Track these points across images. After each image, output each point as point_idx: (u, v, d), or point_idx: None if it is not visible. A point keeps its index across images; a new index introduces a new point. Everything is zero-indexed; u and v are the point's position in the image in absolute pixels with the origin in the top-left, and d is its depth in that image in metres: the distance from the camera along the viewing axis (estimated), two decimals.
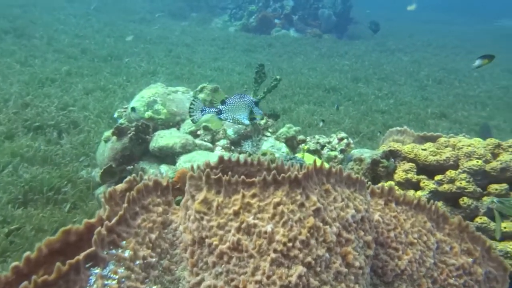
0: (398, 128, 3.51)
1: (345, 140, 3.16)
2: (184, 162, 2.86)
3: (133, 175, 1.59)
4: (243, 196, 1.37)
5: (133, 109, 3.28)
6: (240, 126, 3.17)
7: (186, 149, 2.99)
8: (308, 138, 3.32)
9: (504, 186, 2.01)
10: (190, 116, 2.29)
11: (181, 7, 14.92)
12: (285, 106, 6.35)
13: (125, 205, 1.34)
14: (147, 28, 11.43)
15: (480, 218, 2.03)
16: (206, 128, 3.25)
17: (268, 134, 3.39)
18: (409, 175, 2.31)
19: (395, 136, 3.56)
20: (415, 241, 1.54)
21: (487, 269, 1.58)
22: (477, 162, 2.10)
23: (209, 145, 3.18)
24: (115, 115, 3.42)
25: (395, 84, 7.72)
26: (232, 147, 3.19)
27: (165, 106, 3.44)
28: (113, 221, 1.28)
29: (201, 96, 3.63)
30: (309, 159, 3.00)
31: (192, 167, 1.53)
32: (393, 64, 9.09)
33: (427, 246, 1.55)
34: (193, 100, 2.26)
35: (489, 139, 2.26)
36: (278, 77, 3.73)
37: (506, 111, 6.30)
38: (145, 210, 1.42)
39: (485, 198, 2.05)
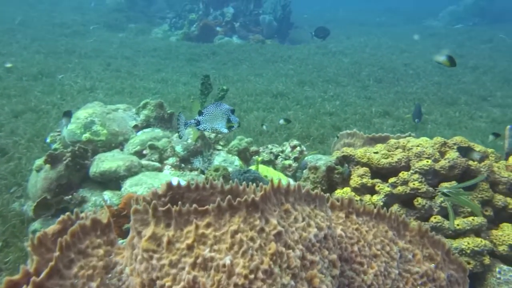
0: (348, 131, 3.54)
1: (298, 148, 3.12)
2: (130, 186, 2.64)
3: (67, 213, 1.39)
4: (197, 227, 1.23)
5: (66, 114, 2.85)
6: (189, 142, 3.01)
7: (131, 171, 2.77)
8: (261, 149, 3.24)
9: (453, 183, 2.05)
10: (178, 132, 2.29)
11: (117, 18, 14.33)
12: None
13: (56, 253, 1.15)
14: (82, 41, 10.81)
15: (435, 218, 2.05)
16: (152, 147, 3.05)
17: (219, 147, 3.26)
18: (364, 180, 2.30)
19: (345, 140, 3.59)
20: (379, 252, 1.49)
21: (449, 272, 1.57)
22: (427, 161, 2.13)
23: (157, 164, 2.99)
24: (48, 139, 3.11)
25: (339, 85, 7.94)
26: (182, 165, 3.02)
27: (104, 126, 3.19)
28: (42, 275, 1.09)
29: (145, 112, 3.41)
30: (263, 170, 2.91)
31: (136, 199, 1.37)
32: (335, 66, 9.37)
33: (391, 256, 1.51)
34: (178, 116, 2.17)
35: (435, 138, 2.31)
36: (224, 87, 3.63)
37: (441, 106, 6.70)
38: (83, 255, 1.23)
39: (437, 197, 2.08)
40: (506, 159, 2.51)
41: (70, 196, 2.53)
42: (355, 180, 2.32)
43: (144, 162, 2.95)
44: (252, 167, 3.04)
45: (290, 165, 3.04)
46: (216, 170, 2.78)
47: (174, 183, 2.91)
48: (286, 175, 3.05)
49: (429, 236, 1.56)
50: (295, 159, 3.10)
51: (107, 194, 2.71)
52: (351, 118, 6.23)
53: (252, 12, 13.25)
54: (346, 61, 9.77)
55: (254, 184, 1.56)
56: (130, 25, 14.28)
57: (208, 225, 1.26)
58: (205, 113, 2.28)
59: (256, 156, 2.89)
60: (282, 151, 3.15)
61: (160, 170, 3.00)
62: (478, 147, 2.16)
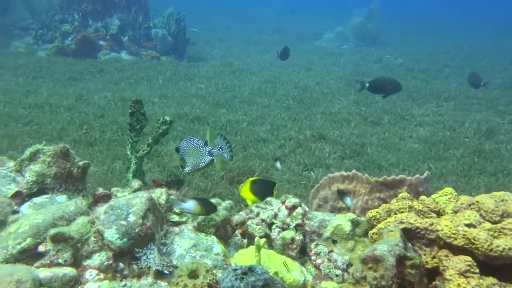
0: (344, 174, 2.63)
1: (300, 209, 2.06)
2: None
3: None
4: None
5: None
6: (131, 220, 1.69)
7: None
8: (244, 215, 2.08)
9: None
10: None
11: None
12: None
13: None
14: None
15: None
16: (58, 238, 1.63)
17: (175, 217, 2.00)
18: (473, 282, 1.38)
19: (340, 185, 2.66)
20: None
21: None
22: None
23: (70, 273, 1.59)
24: None
25: (260, 106, 7.15)
26: (120, 265, 1.68)
27: None
28: None
29: (35, 168, 1.95)
30: (264, 260, 1.77)
31: None
32: (247, 85, 8.59)
33: None
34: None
35: None
36: (167, 118, 2.41)
37: (368, 126, 6.44)
38: None
39: None
40: None
41: None
42: (458, 284, 1.38)
43: (44, 274, 1.53)
44: (243, 253, 1.87)
45: (293, 239, 1.97)
46: (193, 275, 1.55)
47: None
48: (291, 257, 1.95)
49: None
50: (297, 227, 2.04)
51: None
52: (288, 145, 5.44)
53: (141, 25, 11.72)
54: (256, 80, 9.10)
55: None
56: None
57: None
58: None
59: (257, 238, 1.74)
60: (275, 216, 2.06)
61: (76, 282, 1.60)
62: None
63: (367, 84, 4.13)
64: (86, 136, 5.23)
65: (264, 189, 2.21)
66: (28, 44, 12.01)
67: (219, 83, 8.61)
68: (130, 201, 1.75)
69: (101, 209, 1.75)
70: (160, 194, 2.02)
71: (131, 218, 1.70)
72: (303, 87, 8.48)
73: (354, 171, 2.57)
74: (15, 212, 1.87)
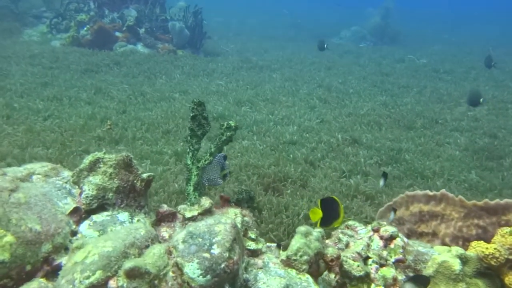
0: (429, 193, 2.36)
1: (398, 240, 1.79)
2: None
3: None
4: None
5: None
6: (215, 253, 1.43)
7: None
8: (332, 245, 1.81)
9: None
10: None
11: None
12: (177, 149, 4.59)
13: None
14: None
15: None
16: (134, 273, 1.36)
17: (251, 245, 1.74)
18: None
19: (423, 206, 2.40)
20: None
21: None
22: None
23: None
24: None
25: (284, 106, 6.88)
26: None
27: (7, 226, 1.39)
28: None
29: (95, 180, 1.69)
30: None
31: None
32: (268, 82, 8.31)
33: None
34: None
35: None
36: (232, 123, 2.14)
37: (401, 130, 6.17)
38: None
39: None
40: None
41: None
42: None
43: None
44: None
45: (395, 280, 1.70)
46: None
47: None
48: None
49: None
50: (397, 263, 1.77)
51: None
52: (320, 148, 5.17)
53: (158, 17, 11.41)
54: (277, 77, 8.82)
55: None
56: None
57: None
58: None
59: (374, 286, 1.45)
60: (368, 247, 1.80)
61: None
62: None
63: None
64: (110, 132, 4.97)
65: (329, 208, 1.96)
66: (42, 32, 11.73)
67: (239, 80, 8.33)
68: (213, 228, 1.49)
69: (178, 236, 1.49)
70: (234, 216, 1.76)
71: (216, 250, 1.44)
72: (327, 87, 8.19)
73: (443, 190, 2.29)
74: (74, 232, 1.62)
